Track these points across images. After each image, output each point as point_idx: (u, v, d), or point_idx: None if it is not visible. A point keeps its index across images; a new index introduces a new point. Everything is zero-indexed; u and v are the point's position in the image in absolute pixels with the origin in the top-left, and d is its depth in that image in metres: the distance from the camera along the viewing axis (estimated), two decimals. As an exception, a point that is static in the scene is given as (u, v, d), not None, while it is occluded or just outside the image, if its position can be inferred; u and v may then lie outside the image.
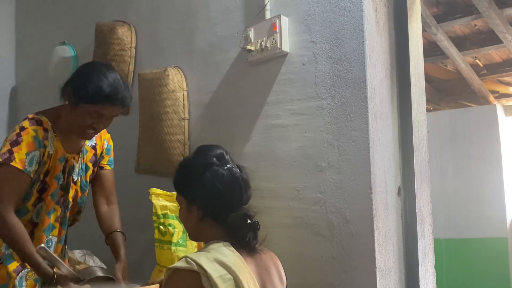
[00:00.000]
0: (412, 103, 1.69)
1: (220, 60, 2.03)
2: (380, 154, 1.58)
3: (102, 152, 1.93)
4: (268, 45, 1.79)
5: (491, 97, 4.87)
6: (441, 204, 4.39)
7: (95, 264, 2.23)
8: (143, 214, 2.05)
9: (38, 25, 3.24)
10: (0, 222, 1.60)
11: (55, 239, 1.81)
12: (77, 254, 2.18)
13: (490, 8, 3.58)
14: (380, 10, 1.66)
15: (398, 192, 1.66)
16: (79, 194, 1.87)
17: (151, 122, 2.21)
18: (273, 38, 1.77)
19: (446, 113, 4.82)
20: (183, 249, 1.86)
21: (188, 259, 1.21)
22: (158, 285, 1.53)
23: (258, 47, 1.82)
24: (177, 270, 1.22)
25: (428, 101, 4.02)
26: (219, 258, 1.21)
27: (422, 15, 2.03)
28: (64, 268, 1.59)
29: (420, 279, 1.64)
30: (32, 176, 1.65)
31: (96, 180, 1.94)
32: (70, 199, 1.83)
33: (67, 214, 1.84)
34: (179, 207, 1.41)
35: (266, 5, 1.83)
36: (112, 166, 1.97)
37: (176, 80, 2.14)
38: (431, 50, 4.38)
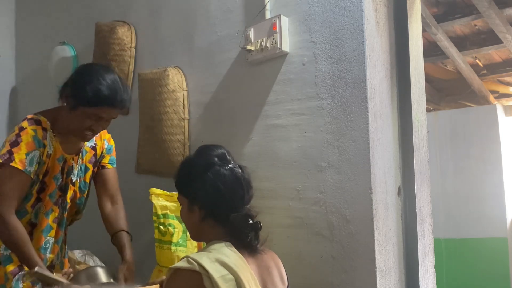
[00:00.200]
0: (412, 103, 1.69)
1: (220, 60, 2.03)
2: (380, 154, 1.58)
3: (102, 153, 1.92)
4: (268, 45, 1.79)
5: (491, 97, 4.87)
6: (441, 204, 4.39)
7: (95, 264, 2.23)
8: (143, 214, 2.05)
9: (38, 25, 3.24)
10: (0, 223, 1.60)
11: (52, 240, 1.81)
12: (77, 254, 2.18)
13: (490, 8, 3.58)
14: (380, 10, 1.66)
15: (398, 192, 1.66)
16: (78, 195, 1.87)
17: (151, 122, 2.21)
18: (273, 38, 1.77)
19: (446, 113, 4.82)
20: (183, 249, 1.86)
21: (190, 259, 1.21)
22: (158, 285, 1.52)
23: (258, 47, 1.82)
24: (179, 270, 1.21)
25: (428, 101, 4.02)
26: (220, 258, 1.21)
27: (422, 15, 2.03)
28: (64, 284, 1.58)
29: (420, 279, 1.64)
30: (32, 176, 1.65)
31: (99, 180, 1.92)
32: (68, 200, 1.82)
33: (65, 215, 1.84)
34: (181, 207, 1.41)
35: (266, 5, 1.83)
36: (115, 166, 1.95)
37: (176, 80, 2.14)
38: (431, 50, 4.38)
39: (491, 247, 4.27)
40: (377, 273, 1.51)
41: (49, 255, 1.79)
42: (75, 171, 1.83)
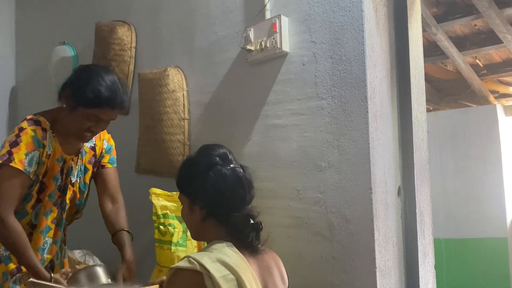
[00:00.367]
0: (412, 103, 1.69)
1: (220, 60, 2.03)
2: (380, 154, 1.58)
3: (101, 153, 1.92)
4: (268, 45, 1.79)
5: (491, 97, 4.86)
6: (441, 204, 4.39)
7: (95, 264, 2.23)
8: (143, 214, 2.05)
9: (38, 25, 3.24)
10: None
11: (50, 241, 1.80)
12: (77, 254, 2.18)
13: (490, 8, 3.58)
14: (380, 10, 1.66)
15: (398, 192, 1.66)
16: (77, 195, 1.86)
17: (151, 122, 2.21)
18: (273, 38, 1.77)
19: (446, 113, 4.82)
20: (183, 249, 1.86)
21: (191, 259, 1.21)
22: (157, 285, 1.52)
23: (258, 47, 1.82)
24: (180, 270, 1.21)
25: (428, 101, 4.03)
26: (221, 258, 1.21)
27: (422, 15, 2.03)
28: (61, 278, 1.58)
29: (420, 279, 1.64)
30: (31, 176, 1.65)
31: (99, 180, 1.92)
32: (67, 201, 1.82)
33: (64, 216, 1.84)
34: (182, 206, 1.41)
35: (266, 5, 1.83)
36: (115, 165, 1.95)
37: (176, 80, 2.14)
38: (431, 50, 4.38)
39: (491, 247, 4.27)
40: (377, 273, 1.51)
41: (46, 256, 1.79)
42: (75, 171, 1.83)
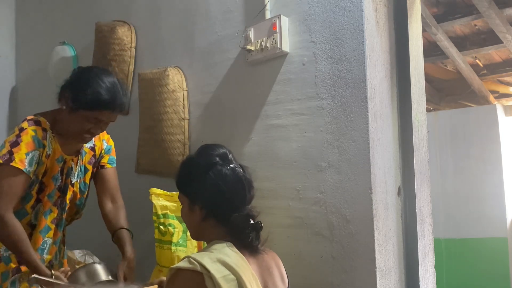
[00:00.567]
0: (412, 103, 1.69)
1: (220, 60, 2.03)
2: (380, 154, 1.58)
3: (101, 153, 1.93)
4: (268, 45, 1.79)
5: (491, 97, 4.87)
6: (441, 204, 4.39)
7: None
8: (143, 214, 2.05)
9: (38, 25, 3.24)
10: None
11: (50, 241, 1.81)
12: (77, 254, 2.18)
13: (490, 8, 3.58)
14: (380, 10, 1.66)
15: (398, 192, 1.66)
16: (78, 196, 1.87)
17: (151, 122, 2.21)
18: (273, 38, 1.77)
19: (446, 113, 4.82)
20: (183, 249, 1.86)
21: (191, 259, 1.21)
22: (156, 286, 1.52)
23: (258, 47, 1.82)
24: (180, 270, 1.21)
25: (428, 101, 4.03)
26: (222, 259, 1.21)
27: (422, 15, 2.03)
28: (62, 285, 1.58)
29: (420, 279, 1.64)
30: (31, 176, 1.65)
31: (99, 180, 1.93)
32: (67, 201, 1.82)
33: (64, 216, 1.84)
34: (181, 206, 1.41)
35: (266, 5, 1.83)
36: (115, 165, 1.96)
37: (176, 80, 2.14)
38: (431, 50, 4.38)
39: (491, 247, 4.27)
40: (377, 273, 1.51)
41: (46, 256, 1.79)
42: (75, 172, 1.83)
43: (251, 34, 1.85)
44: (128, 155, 2.34)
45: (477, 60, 4.48)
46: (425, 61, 1.89)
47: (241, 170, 1.37)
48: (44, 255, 1.78)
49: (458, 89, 5.02)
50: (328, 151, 1.64)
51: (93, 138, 1.86)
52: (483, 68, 4.64)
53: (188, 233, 1.58)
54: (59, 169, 1.76)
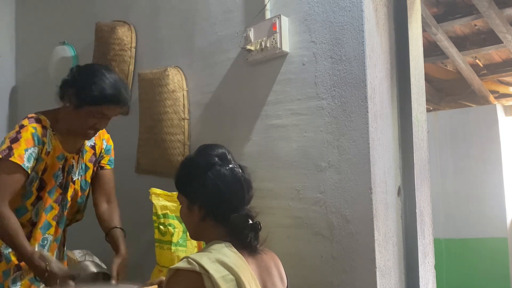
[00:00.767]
0: (412, 103, 1.69)
1: (220, 60, 2.03)
2: (380, 154, 1.58)
3: (101, 152, 1.95)
4: (268, 45, 1.79)
5: (491, 97, 4.87)
6: (441, 204, 4.39)
7: (95, 263, 2.23)
8: (143, 214, 2.05)
9: (38, 25, 3.25)
10: None
11: (50, 238, 1.82)
12: (77, 254, 2.18)
13: (490, 8, 3.58)
14: (380, 10, 1.66)
15: (398, 192, 1.66)
16: (79, 194, 1.88)
17: (151, 122, 2.21)
18: (273, 38, 1.77)
19: (446, 113, 4.82)
20: (183, 249, 1.86)
21: (190, 259, 1.21)
22: (156, 286, 1.52)
23: (258, 47, 1.82)
24: (179, 270, 1.21)
25: (428, 101, 4.03)
26: (220, 259, 1.21)
27: (422, 15, 2.03)
28: (56, 265, 1.60)
29: (420, 279, 1.64)
30: (29, 172, 1.66)
31: (96, 180, 1.95)
32: (69, 198, 1.84)
33: (65, 213, 1.85)
34: (180, 206, 1.41)
35: (266, 5, 1.83)
36: (113, 166, 1.98)
37: (176, 80, 2.14)
38: (431, 50, 4.38)
39: (491, 247, 4.27)
40: (377, 273, 1.51)
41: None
42: (76, 170, 1.84)
43: (251, 34, 1.85)
44: (128, 155, 2.34)
45: (477, 60, 4.48)
46: (425, 61, 1.89)
47: (240, 170, 1.37)
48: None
49: (458, 89, 5.02)
50: (328, 151, 1.64)
51: (93, 137, 1.88)
52: (483, 68, 4.64)
53: (188, 233, 1.58)
54: (60, 166, 1.78)
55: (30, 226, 1.76)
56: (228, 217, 1.31)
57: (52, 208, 1.79)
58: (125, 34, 2.43)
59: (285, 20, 1.77)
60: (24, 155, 1.63)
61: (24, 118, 1.72)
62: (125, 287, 1.64)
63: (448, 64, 4.69)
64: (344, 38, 1.62)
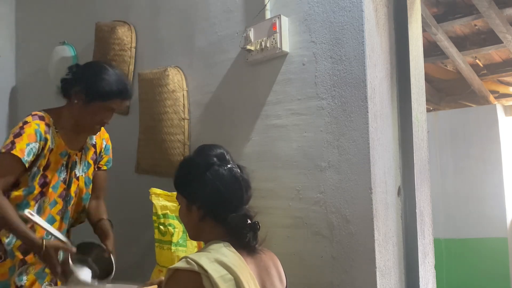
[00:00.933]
0: (412, 103, 1.69)
1: (220, 60, 2.03)
2: (380, 154, 1.58)
3: (101, 151, 2.00)
4: (268, 45, 1.79)
5: (491, 97, 4.87)
6: (441, 204, 4.39)
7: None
8: (143, 214, 2.05)
9: (38, 25, 3.25)
10: None
11: None
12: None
13: (490, 8, 3.58)
14: (380, 10, 1.66)
15: (398, 192, 1.66)
16: (84, 190, 1.93)
17: (151, 122, 2.21)
18: (273, 38, 1.77)
19: (446, 113, 4.82)
20: (183, 249, 1.86)
21: (189, 259, 1.21)
22: (156, 286, 1.52)
23: (258, 47, 1.82)
24: (178, 270, 1.21)
25: (428, 101, 4.02)
26: (219, 259, 1.21)
27: (422, 15, 2.03)
28: (53, 234, 1.64)
29: (420, 279, 1.64)
30: (27, 165, 1.70)
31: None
32: (73, 194, 1.88)
33: (69, 209, 1.88)
34: (179, 206, 1.41)
35: (266, 5, 1.83)
36: (110, 166, 2.05)
37: (176, 80, 2.14)
38: (431, 50, 4.38)
39: (491, 247, 4.27)
40: (377, 273, 1.51)
41: None
42: (79, 166, 1.89)
43: (251, 34, 1.85)
44: (128, 155, 2.34)
45: (477, 60, 4.48)
46: (425, 61, 1.89)
47: (239, 170, 1.37)
48: None
49: (458, 89, 5.02)
50: (328, 151, 1.64)
51: (94, 136, 1.94)
52: (483, 68, 4.64)
53: (187, 234, 1.58)
54: (64, 162, 1.83)
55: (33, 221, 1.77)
56: (226, 217, 1.31)
57: (56, 202, 1.83)
58: (125, 34, 2.43)
59: (285, 20, 1.77)
60: (25, 149, 1.68)
61: (28, 115, 1.78)
62: (125, 287, 1.65)
63: (448, 64, 4.69)
64: (344, 38, 1.62)
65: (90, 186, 1.96)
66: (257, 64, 1.88)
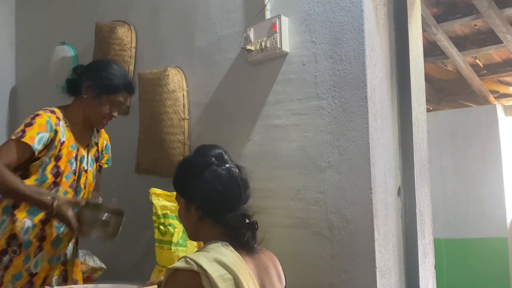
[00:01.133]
0: (412, 103, 1.69)
1: (220, 60, 2.03)
2: (380, 154, 1.58)
3: (102, 150, 2.04)
4: (268, 45, 1.79)
5: (491, 97, 4.87)
6: (441, 204, 4.39)
7: (95, 264, 2.24)
8: (143, 214, 2.05)
9: (38, 25, 3.25)
10: None
11: None
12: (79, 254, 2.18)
13: (490, 8, 3.58)
14: (380, 10, 1.66)
15: (398, 192, 1.66)
16: (92, 184, 1.99)
17: (151, 122, 2.21)
18: (273, 38, 1.77)
19: (446, 113, 4.82)
20: (183, 249, 1.86)
21: (188, 259, 1.21)
22: (156, 286, 1.52)
23: (258, 47, 1.82)
24: (177, 270, 1.21)
25: (428, 101, 4.03)
26: (218, 258, 1.21)
27: (422, 15, 2.03)
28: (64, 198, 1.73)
29: (420, 279, 1.64)
30: (36, 154, 1.75)
31: None
32: (82, 185, 1.93)
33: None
34: (178, 207, 1.41)
35: (266, 5, 1.83)
36: (110, 164, 2.10)
37: (176, 80, 2.14)
38: (431, 50, 4.38)
39: (491, 247, 4.27)
40: (377, 273, 1.51)
41: (62, 233, 1.86)
42: (87, 160, 1.95)
43: (251, 34, 1.85)
44: (128, 155, 2.34)
45: (477, 60, 4.48)
46: (425, 61, 1.89)
47: (237, 170, 1.37)
48: (60, 232, 1.85)
49: (458, 89, 5.02)
50: (328, 151, 1.64)
51: (97, 135, 2.01)
52: (483, 68, 4.64)
53: (187, 234, 1.58)
54: (74, 155, 1.88)
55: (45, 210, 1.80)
56: (225, 216, 1.31)
57: (67, 193, 1.86)
58: (125, 34, 2.43)
59: (285, 20, 1.77)
60: (35, 137, 1.74)
61: (39, 110, 1.83)
62: (125, 287, 1.65)
63: (448, 64, 4.69)
64: (344, 38, 1.62)
65: (94, 182, 2.02)
66: (257, 64, 1.88)
